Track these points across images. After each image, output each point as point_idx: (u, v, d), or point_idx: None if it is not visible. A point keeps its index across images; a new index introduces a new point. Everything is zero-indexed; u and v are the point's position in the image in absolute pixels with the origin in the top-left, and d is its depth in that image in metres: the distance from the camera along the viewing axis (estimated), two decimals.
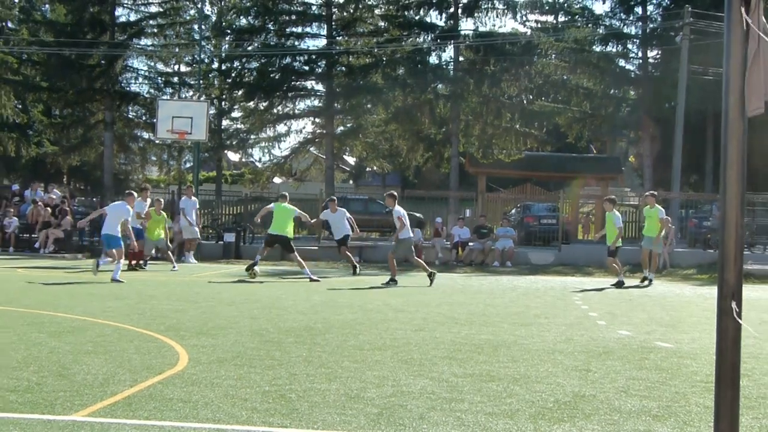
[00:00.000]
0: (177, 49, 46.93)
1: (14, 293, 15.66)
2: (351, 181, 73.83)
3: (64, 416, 6.24)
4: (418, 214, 36.44)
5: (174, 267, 23.52)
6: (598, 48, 42.49)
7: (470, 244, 28.91)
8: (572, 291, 19.08)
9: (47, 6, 50.02)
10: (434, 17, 42.90)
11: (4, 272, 21.22)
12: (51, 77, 44.87)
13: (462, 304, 15.28)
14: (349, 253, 23.27)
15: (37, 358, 8.56)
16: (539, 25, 44.40)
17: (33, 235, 29.73)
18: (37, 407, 6.51)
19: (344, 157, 64.00)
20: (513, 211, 36.07)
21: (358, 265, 23.15)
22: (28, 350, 9.04)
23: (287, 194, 23.11)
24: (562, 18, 44.09)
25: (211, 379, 7.70)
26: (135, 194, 21.64)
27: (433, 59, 43.09)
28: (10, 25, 51.20)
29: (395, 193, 21.08)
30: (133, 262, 23.37)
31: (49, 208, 30.04)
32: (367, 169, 68.39)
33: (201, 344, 9.71)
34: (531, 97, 43.24)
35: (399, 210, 20.36)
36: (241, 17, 45.46)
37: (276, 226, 21.39)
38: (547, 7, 44.18)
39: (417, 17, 42.88)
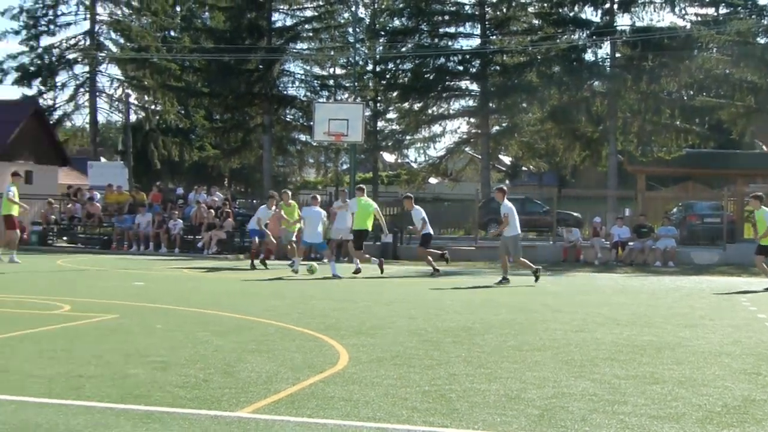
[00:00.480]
0: (332, 52, 47.65)
1: (181, 293, 16.17)
2: (507, 181, 73.28)
3: (230, 412, 6.39)
4: (575, 214, 36.19)
5: (294, 263, 22.52)
6: (762, 40, 41.02)
7: (630, 243, 28.33)
8: (739, 292, 18.43)
9: (207, 14, 51.52)
10: (589, 13, 42.45)
11: (171, 272, 21.96)
12: (211, 83, 46.25)
13: (623, 305, 14.97)
14: (428, 254, 21.80)
15: (204, 356, 8.80)
16: (699, 18, 43.08)
17: (197, 237, 30.60)
18: (204, 403, 6.68)
19: (500, 156, 63.62)
20: (674, 209, 35.14)
21: (438, 268, 21.36)
22: (194, 348, 9.30)
23: (364, 187, 23.10)
24: (723, 10, 42.61)
25: (371, 379, 7.75)
26: (317, 197, 22.25)
27: (588, 56, 42.63)
28: (172, 33, 53.10)
29: (504, 188, 20.57)
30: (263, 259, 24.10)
31: (212, 210, 30.88)
32: (523, 168, 67.89)
33: (360, 343, 9.79)
34: (691, 92, 42.09)
35: (507, 205, 19.36)
36: (395, 19, 45.95)
37: (360, 221, 21.29)
38: (707, 0, 42.88)
39: (571, 14, 42.31)
